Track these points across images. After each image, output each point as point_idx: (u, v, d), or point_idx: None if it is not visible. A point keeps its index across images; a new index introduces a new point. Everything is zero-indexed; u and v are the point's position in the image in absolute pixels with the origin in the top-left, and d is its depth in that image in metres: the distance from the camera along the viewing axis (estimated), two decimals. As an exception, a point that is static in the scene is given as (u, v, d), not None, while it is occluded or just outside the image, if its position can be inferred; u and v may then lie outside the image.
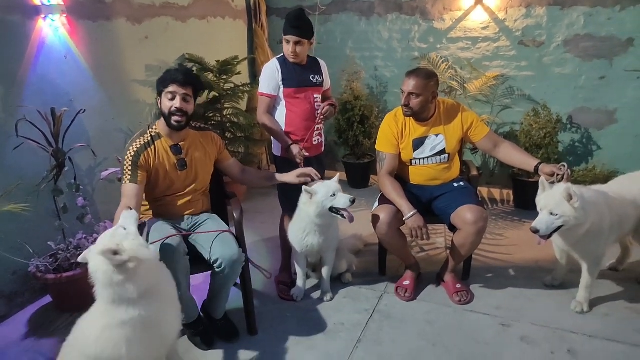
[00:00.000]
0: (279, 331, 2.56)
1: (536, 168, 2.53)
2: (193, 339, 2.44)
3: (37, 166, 2.72)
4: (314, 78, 2.72)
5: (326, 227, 2.63)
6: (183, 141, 2.42)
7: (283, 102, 2.71)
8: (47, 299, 2.87)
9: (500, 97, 4.18)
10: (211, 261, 2.29)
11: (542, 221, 2.37)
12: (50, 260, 2.70)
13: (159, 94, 2.32)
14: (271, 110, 2.74)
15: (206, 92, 3.98)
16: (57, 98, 2.91)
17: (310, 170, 2.55)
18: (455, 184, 2.80)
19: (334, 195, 2.50)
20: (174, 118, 2.29)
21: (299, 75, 2.68)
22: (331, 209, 2.52)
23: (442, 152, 2.73)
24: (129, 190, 2.24)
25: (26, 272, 2.69)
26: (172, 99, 2.28)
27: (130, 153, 2.28)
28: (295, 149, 2.61)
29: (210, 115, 4.14)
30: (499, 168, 4.30)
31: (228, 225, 2.49)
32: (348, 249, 3.20)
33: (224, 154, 2.61)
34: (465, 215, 2.55)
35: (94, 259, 1.76)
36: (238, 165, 2.67)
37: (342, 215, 2.52)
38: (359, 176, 4.65)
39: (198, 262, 2.34)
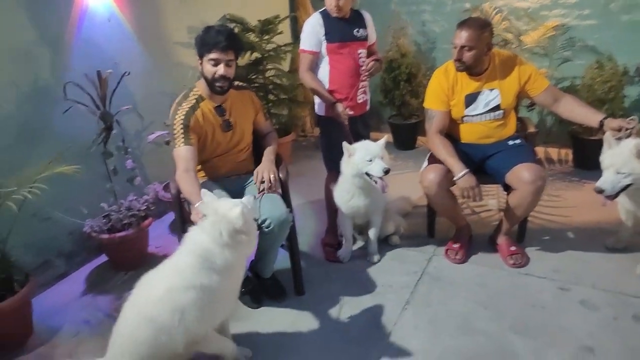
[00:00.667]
0: (325, 292, 2.54)
1: (601, 123, 2.33)
2: (242, 297, 2.47)
3: (86, 129, 2.76)
4: (357, 32, 2.59)
5: (371, 189, 2.55)
6: (225, 102, 2.38)
7: (326, 59, 2.60)
8: (103, 258, 2.98)
9: (559, 49, 3.87)
10: (259, 221, 2.28)
11: (607, 181, 2.19)
12: (104, 220, 2.77)
13: (200, 56, 2.27)
14: (313, 68, 2.64)
15: (248, 53, 3.90)
16: (102, 62, 2.91)
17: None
18: (510, 142, 2.64)
19: (371, 160, 2.40)
20: (218, 84, 2.26)
21: (342, 30, 2.56)
22: (368, 174, 2.43)
23: (497, 108, 2.56)
24: (185, 152, 2.22)
25: (82, 233, 2.78)
26: (216, 64, 2.23)
27: (179, 117, 2.25)
28: (339, 107, 2.52)
29: (253, 77, 4.08)
30: (557, 125, 4.04)
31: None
32: (396, 211, 3.12)
33: (259, 116, 2.56)
34: (522, 174, 2.40)
35: (238, 215, 1.74)
36: (267, 129, 2.62)
37: (376, 182, 2.43)
38: (405, 137, 4.50)
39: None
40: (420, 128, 4.45)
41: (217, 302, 1.81)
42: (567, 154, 4.03)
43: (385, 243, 2.95)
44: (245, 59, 3.97)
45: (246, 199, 1.88)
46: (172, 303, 1.71)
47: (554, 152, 4.13)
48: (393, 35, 4.31)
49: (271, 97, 4.14)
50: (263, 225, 2.26)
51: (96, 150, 2.76)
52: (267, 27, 3.82)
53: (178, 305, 1.71)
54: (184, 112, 2.26)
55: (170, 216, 3.43)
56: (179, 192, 2.26)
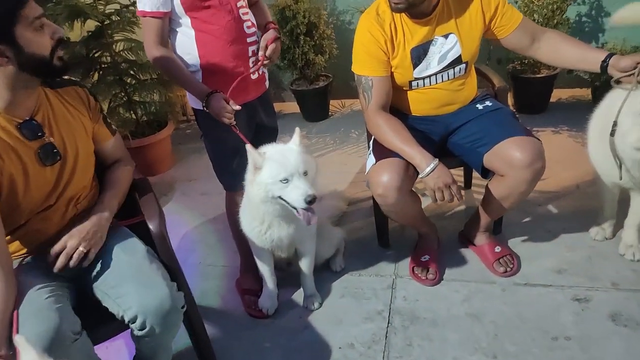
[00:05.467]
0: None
1: (604, 63, 1.61)
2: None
3: None
4: (228, -31, 1.59)
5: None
6: (37, 112, 1.33)
7: (186, 21, 1.59)
8: None
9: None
10: (126, 320, 1.30)
11: None
12: None
13: (4, 31, 1.17)
14: (166, 39, 1.62)
15: (78, 21, 2.70)
16: None
17: None
18: (479, 106, 1.86)
19: (287, 180, 1.50)
20: (61, 56, 1.30)
21: None
22: (282, 198, 1.54)
23: (458, 60, 1.75)
24: None
25: None
26: (42, 26, 1.23)
27: None
28: (216, 101, 1.55)
29: (97, 54, 2.89)
30: (493, 64, 3.37)
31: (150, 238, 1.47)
32: (328, 218, 2.27)
33: (99, 127, 1.53)
34: (512, 153, 1.64)
35: None
36: (115, 151, 1.61)
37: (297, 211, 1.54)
38: (315, 106, 3.58)
39: (108, 319, 1.34)
40: (332, 91, 3.58)
41: None
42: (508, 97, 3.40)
43: (325, 270, 2.10)
44: (77, 31, 2.76)
45: None
46: None
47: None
48: (279, -27, 3.28)
49: (129, 80, 2.99)
50: (133, 325, 1.30)
51: None
52: (98, -22, 2.62)
53: None
54: None
55: None
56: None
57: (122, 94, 2.98)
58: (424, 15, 1.67)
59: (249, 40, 1.66)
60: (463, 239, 2.11)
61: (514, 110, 3.21)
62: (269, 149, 1.57)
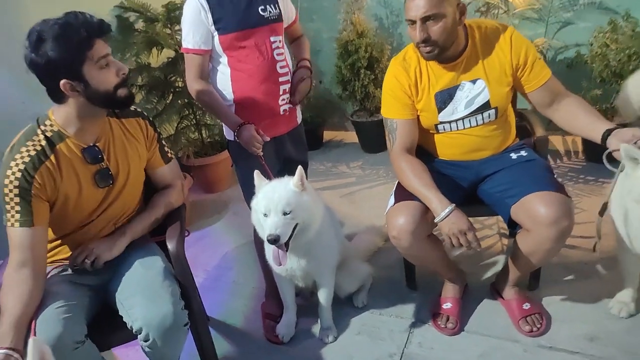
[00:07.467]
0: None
1: (605, 136, 1.54)
2: None
3: None
4: (264, 10, 1.71)
5: (305, 247, 1.72)
6: (99, 139, 1.52)
7: (224, 60, 1.73)
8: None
9: (557, 9, 3.01)
10: (133, 330, 1.43)
11: None
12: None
13: (72, 70, 1.34)
14: (206, 74, 1.77)
15: (155, 50, 2.99)
16: None
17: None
18: (514, 155, 1.80)
19: (266, 215, 1.57)
20: (121, 92, 1.44)
21: (238, 10, 1.68)
22: None
23: (486, 106, 1.71)
24: (20, 237, 1.38)
25: None
26: (108, 64, 1.40)
27: (12, 174, 1.36)
28: (247, 132, 1.65)
29: (171, 79, 3.18)
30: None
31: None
32: (361, 253, 2.29)
33: (155, 157, 1.69)
34: (537, 209, 1.56)
35: None
36: (168, 178, 1.75)
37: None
38: (372, 137, 3.60)
39: (124, 326, 1.47)
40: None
41: None
42: (576, 142, 3.20)
43: (348, 304, 2.12)
44: (155, 57, 3.06)
45: None
46: None
47: (557, 140, 3.29)
48: (345, 10, 3.39)
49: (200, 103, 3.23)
50: (139, 336, 1.42)
51: None
52: (175, 13, 2.89)
53: None
54: (21, 167, 1.37)
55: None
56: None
57: (191, 116, 3.23)
58: (450, 60, 1.67)
59: (280, 79, 1.77)
60: (493, 291, 2.02)
61: (584, 157, 3.04)
62: (273, 182, 1.65)
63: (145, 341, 1.41)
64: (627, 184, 1.51)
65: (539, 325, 1.82)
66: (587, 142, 3.01)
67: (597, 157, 2.64)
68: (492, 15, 2.97)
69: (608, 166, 1.54)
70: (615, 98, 2.77)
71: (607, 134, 1.54)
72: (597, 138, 1.58)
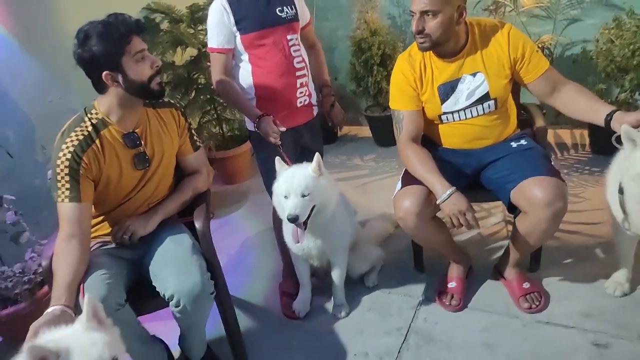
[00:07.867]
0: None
1: (608, 119, 1.66)
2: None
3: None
4: (282, 11, 1.88)
5: (322, 227, 1.88)
6: (138, 126, 1.70)
7: (245, 56, 1.90)
8: None
9: (565, 7, 3.11)
10: (166, 297, 1.61)
11: None
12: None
13: (112, 62, 1.53)
14: (230, 70, 1.94)
15: (179, 49, 3.18)
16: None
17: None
18: (514, 144, 1.93)
19: (286, 197, 1.75)
20: (157, 82, 1.64)
21: (258, 12, 1.85)
22: None
23: (485, 97, 1.85)
24: (70, 212, 1.56)
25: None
26: (144, 57, 1.59)
27: (64, 156, 1.56)
28: (265, 123, 1.82)
29: (195, 76, 3.37)
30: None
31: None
32: (373, 238, 2.44)
33: (185, 145, 1.87)
34: (533, 192, 1.70)
35: None
36: (196, 164, 1.93)
37: None
38: (385, 131, 3.71)
39: (156, 295, 1.65)
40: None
41: None
42: (583, 135, 3.30)
43: (360, 284, 2.27)
44: (179, 55, 3.25)
45: None
46: None
47: (565, 134, 3.39)
48: (359, 9, 3.54)
49: (219, 99, 3.42)
50: (170, 302, 1.60)
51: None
52: (198, 14, 3.07)
53: None
54: (71, 149, 1.57)
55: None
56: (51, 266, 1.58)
57: (213, 111, 3.41)
58: (451, 54, 1.82)
59: (297, 74, 1.94)
60: (495, 272, 2.15)
61: (590, 149, 3.13)
62: (293, 167, 1.81)
63: (177, 307, 1.58)
64: (625, 164, 1.61)
65: (537, 303, 1.95)
66: (593, 136, 3.11)
67: (603, 150, 2.78)
68: (500, 14, 3.09)
69: (619, 147, 1.63)
70: (619, 92, 2.88)
71: (610, 117, 1.65)
72: (599, 121, 1.69)
